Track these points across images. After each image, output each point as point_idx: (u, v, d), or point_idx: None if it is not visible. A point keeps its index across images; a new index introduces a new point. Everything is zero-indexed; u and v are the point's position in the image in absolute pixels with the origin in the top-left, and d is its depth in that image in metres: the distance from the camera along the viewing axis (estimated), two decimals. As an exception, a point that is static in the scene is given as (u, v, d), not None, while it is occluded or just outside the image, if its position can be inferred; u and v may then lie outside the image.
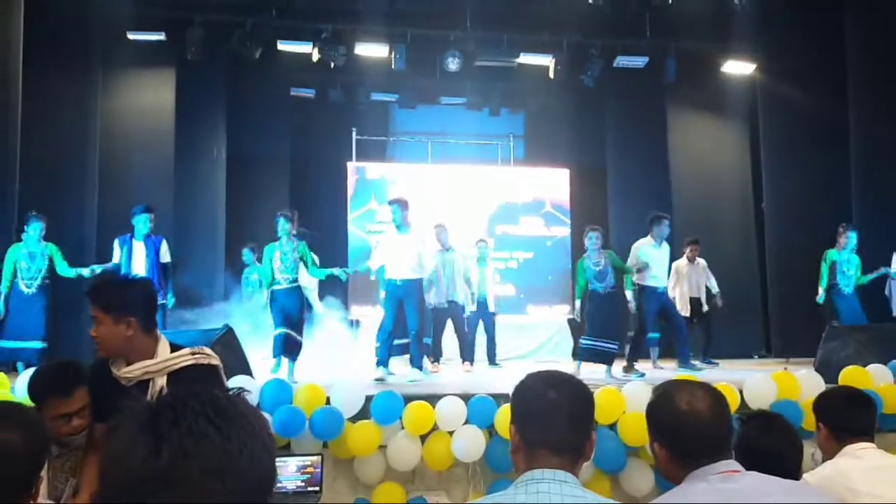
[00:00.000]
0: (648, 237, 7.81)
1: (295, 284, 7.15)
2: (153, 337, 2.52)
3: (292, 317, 7.06)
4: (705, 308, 8.88)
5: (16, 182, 7.57)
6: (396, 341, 7.54)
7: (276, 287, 7.13)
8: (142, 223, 6.89)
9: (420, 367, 7.01)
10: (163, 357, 2.47)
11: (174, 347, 2.54)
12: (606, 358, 7.29)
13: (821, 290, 8.28)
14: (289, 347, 6.95)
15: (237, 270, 9.26)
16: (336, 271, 7.19)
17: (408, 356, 8.06)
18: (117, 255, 6.87)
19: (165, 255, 7.01)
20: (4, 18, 7.69)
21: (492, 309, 9.31)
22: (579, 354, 7.49)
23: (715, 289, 8.79)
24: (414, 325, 6.95)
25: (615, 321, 7.51)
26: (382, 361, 6.89)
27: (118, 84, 9.91)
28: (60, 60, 8.59)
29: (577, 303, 7.52)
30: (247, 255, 9.02)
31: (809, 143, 10.23)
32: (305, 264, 7.19)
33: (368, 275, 8.35)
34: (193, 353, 2.50)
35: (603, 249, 7.46)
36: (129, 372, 2.46)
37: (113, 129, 9.63)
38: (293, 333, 7.01)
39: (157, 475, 0.85)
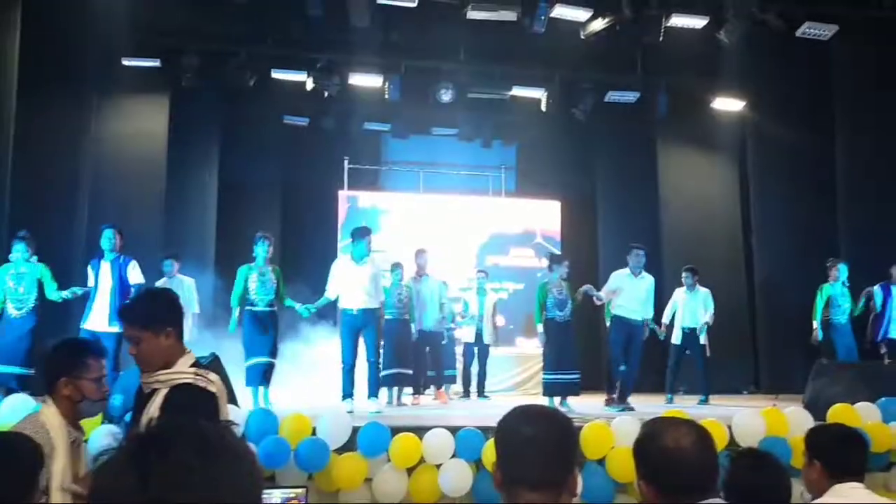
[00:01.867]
0: (627, 268, 7.82)
1: (271, 308, 7.11)
2: (183, 348, 2.56)
3: (268, 341, 7.01)
4: (702, 340, 8.65)
5: (6, 204, 7.54)
6: (393, 371, 7.52)
7: (251, 308, 7.06)
8: (106, 239, 6.69)
9: (377, 397, 6.95)
10: (175, 369, 2.50)
11: (196, 364, 2.55)
12: (570, 389, 7.32)
13: (815, 325, 8.21)
14: (266, 375, 6.90)
15: (226, 297, 9.15)
16: (299, 308, 7.14)
17: (401, 387, 8.04)
18: (91, 279, 6.75)
19: (137, 277, 6.79)
20: (0, 42, 7.72)
21: (487, 341, 9.28)
22: (545, 390, 7.48)
23: (702, 321, 8.54)
24: (372, 354, 6.89)
25: (573, 351, 7.50)
26: (347, 394, 6.79)
27: (112, 109, 9.94)
28: (55, 85, 8.60)
29: (539, 327, 7.51)
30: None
31: (797, 178, 10.33)
32: (278, 290, 7.14)
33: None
34: (196, 374, 2.50)
35: (565, 281, 7.57)
36: (146, 380, 2.51)
37: (106, 153, 9.64)
38: (269, 360, 6.96)
39: None
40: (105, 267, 6.72)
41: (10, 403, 5.05)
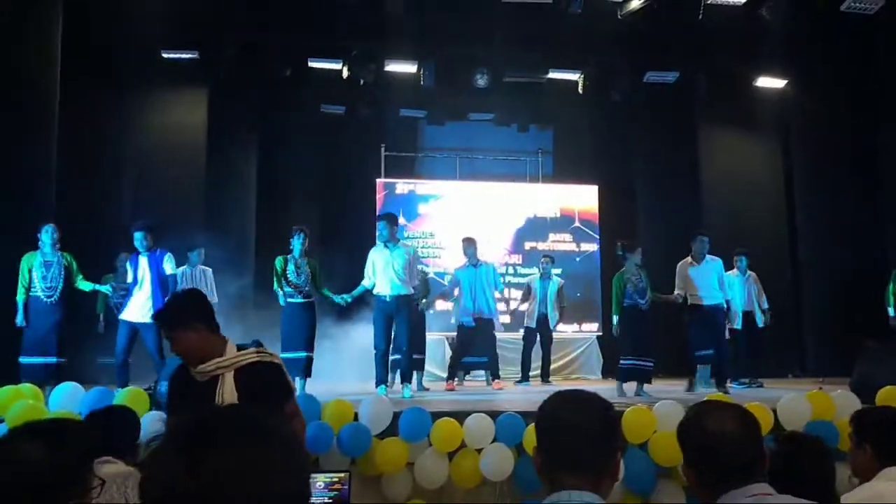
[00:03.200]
0: (689, 256, 7.74)
1: (309, 299, 7.18)
2: (220, 337, 2.86)
3: (305, 333, 7.08)
4: (760, 324, 8.77)
5: (52, 196, 7.72)
6: (415, 356, 7.58)
7: (290, 300, 7.15)
8: (137, 241, 6.82)
9: (410, 382, 7.04)
10: (231, 355, 2.78)
11: (240, 347, 2.86)
12: (645, 376, 7.35)
13: (891, 313, 8.03)
14: (302, 369, 6.96)
15: (267, 286, 9.25)
16: (336, 298, 7.21)
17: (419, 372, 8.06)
18: (130, 275, 6.89)
19: (170, 269, 6.92)
20: (43, 38, 7.87)
21: (551, 326, 9.26)
22: (622, 375, 7.44)
23: (765, 305, 8.74)
24: (404, 341, 6.98)
25: (652, 339, 7.52)
26: (381, 380, 6.89)
27: (152, 102, 10.10)
28: (97, 79, 8.77)
29: (615, 318, 7.49)
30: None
31: (842, 158, 10.11)
32: (315, 279, 7.21)
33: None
34: (258, 352, 2.82)
35: (641, 268, 7.52)
36: (204, 368, 2.76)
37: (147, 145, 9.81)
38: (306, 354, 7.02)
39: (194, 493, 0.86)
40: (143, 262, 6.87)
41: (60, 392, 5.20)
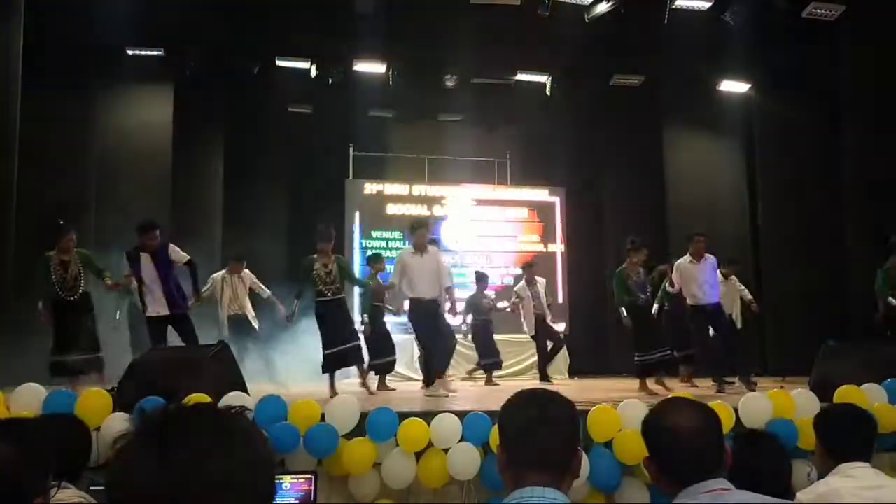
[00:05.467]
0: (687, 255, 7.80)
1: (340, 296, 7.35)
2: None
3: (350, 326, 7.39)
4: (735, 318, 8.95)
5: (14, 196, 7.58)
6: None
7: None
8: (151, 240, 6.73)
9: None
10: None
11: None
12: (666, 366, 7.49)
13: (893, 301, 7.88)
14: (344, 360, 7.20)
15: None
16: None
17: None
18: (128, 271, 6.80)
19: (181, 256, 6.87)
20: (4, 35, 7.73)
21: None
22: (640, 372, 7.44)
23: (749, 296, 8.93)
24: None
25: (660, 330, 7.69)
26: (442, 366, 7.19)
27: (117, 100, 9.96)
28: (59, 76, 8.62)
29: (623, 310, 7.58)
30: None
31: (804, 160, 10.29)
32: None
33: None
34: None
35: (642, 268, 7.64)
36: None
37: (111, 144, 9.67)
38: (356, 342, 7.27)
39: (162, 490, 0.86)
40: (146, 259, 6.76)
41: (20, 391, 5.10)
